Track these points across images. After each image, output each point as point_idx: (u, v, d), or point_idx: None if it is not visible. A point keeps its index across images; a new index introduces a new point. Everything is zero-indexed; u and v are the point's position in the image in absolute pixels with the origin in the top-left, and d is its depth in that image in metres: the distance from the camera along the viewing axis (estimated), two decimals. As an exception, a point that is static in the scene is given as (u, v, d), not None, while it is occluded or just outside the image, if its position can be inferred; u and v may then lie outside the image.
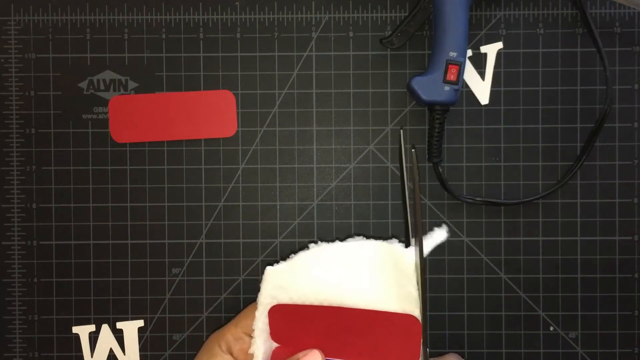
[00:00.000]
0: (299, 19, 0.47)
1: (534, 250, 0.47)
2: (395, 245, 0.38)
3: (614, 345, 0.47)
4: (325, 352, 0.38)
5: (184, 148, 0.47)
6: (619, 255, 0.47)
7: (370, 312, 0.37)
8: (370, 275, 0.37)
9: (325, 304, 0.37)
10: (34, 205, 0.47)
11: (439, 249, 0.47)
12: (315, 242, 0.39)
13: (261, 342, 0.38)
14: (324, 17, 0.47)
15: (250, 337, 0.39)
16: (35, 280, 0.47)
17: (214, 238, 0.47)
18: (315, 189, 0.47)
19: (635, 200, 0.47)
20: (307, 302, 0.38)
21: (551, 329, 0.47)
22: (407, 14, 0.46)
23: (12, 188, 0.47)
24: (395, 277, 0.37)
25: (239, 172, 0.47)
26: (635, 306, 0.47)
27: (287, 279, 0.38)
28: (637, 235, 0.47)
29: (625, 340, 0.47)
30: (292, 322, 0.38)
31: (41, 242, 0.47)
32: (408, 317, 0.36)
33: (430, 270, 0.47)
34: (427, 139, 0.46)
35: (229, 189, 0.47)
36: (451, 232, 0.47)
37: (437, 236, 0.39)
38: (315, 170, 0.47)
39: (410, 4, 0.47)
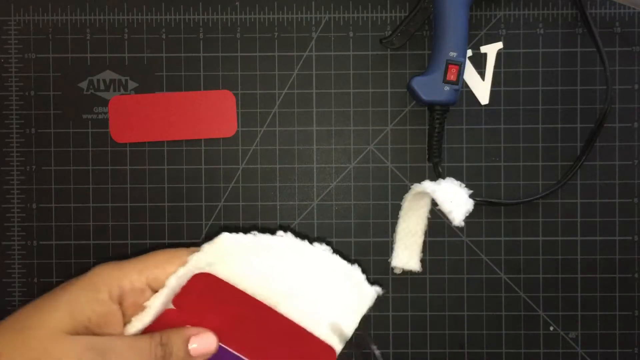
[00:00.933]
0: (299, 19, 0.47)
1: (534, 250, 0.47)
2: (357, 275, 0.35)
3: (614, 345, 0.47)
4: (222, 339, 0.34)
5: (184, 148, 0.47)
6: (619, 255, 0.47)
7: (295, 325, 0.34)
8: (316, 291, 0.35)
9: (257, 297, 0.34)
10: (34, 205, 0.47)
11: (438, 248, 0.47)
12: (285, 230, 0.35)
13: (162, 301, 0.33)
14: (324, 17, 0.47)
15: (153, 290, 0.33)
16: (35, 280, 0.47)
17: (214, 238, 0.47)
18: (315, 189, 0.47)
19: (635, 200, 0.47)
20: (240, 287, 0.34)
21: (551, 329, 0.47)
22: (407, 14, 0.46)
23: (12, 188, 0.47)
24: (340, 304, 0.35)
25: (239, 172, 0.47)
26: (635, 306, 0.47)
27: (236, 253, 0.34)
28: (637, 235, 0.47)
29: (625, 340, 0.47)
30: (209, 296, 0.34)
31: (41, 242, 0.47)
32: (327, 348, 0.34)
33: (431, 270, 0.47)
34: (427, 139, 0.46)
35: (229, 189, 0.47)
36: (451, 232, 0.47)
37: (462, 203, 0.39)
38: (315, 170, 0.47)
39: (410, 4, 0.47)
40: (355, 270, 0.36)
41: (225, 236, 0.34)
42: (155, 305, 0.33)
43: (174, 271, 0.34)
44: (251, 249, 0.34)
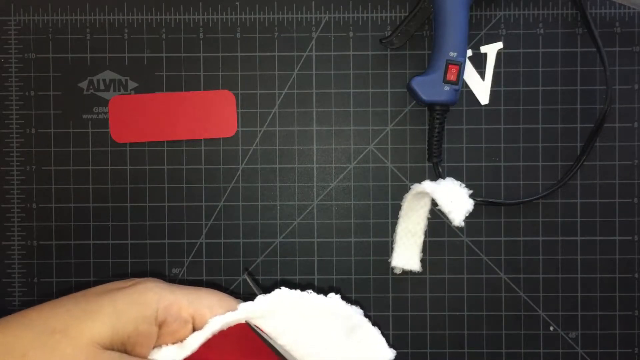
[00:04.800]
0: (299, 19, 0.47)
1: (534, 250, 0.47)
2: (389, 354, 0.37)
3: (614, 346, 0.47)
4: None
5: (184, 148, 0.47)
6: (619, 255, 0.47)
7: None
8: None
9: (287, 351, 0.35)
10: (34, 205, 0.47)
11: (438, 248, 0.47)
12: (336, 292, 0.37)
13: (201, 342, 0.33)
14: (324, 17, 0.47)
15: (194, 325, 0.33)
16: (35, 280, 0.47)
17: (214, 238, 0.47)
18: (315, 189, 0.47)
19: (635, 200, 0.47)
20: (281, 341, 0.35)
21: (551, 329, 0.47)
22: (407, 14, 0.46)
23: (12, 188, 0.47)
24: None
25: (239, 172, 0.47)
26: (635, 306, 0.47)
27: (288, 311, 0.35)
28: (637, 235, 0.47)
29: (625, 340, 0.47)
30: (245, 345, 0.35)
31: (41, 242, 0.47)
32: None
33: (431, 270, 0.47)
34: (427, 139, 0.46)
35: (229, 189, 0.47)
36: (451, 232, 0.47)
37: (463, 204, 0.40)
38: (315, 170, 0.47)
39: (410, 4, 0.47)
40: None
41: (281, 292, 0.35)
42: (194, 345, 0.33)
43: (221, 314, 0.33)
44: (302, 309, 0.35)
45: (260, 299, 0.35)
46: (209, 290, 0.35)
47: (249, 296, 0.45)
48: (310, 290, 0.36)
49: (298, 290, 0.36)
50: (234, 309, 0.35)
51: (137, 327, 0.30)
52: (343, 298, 0.37)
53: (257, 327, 0.35)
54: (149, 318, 0.31)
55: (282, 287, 0.36)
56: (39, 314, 0.30)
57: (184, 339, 0.33)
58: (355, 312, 0.37)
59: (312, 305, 0.36)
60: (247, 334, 0.35)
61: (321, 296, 0.36)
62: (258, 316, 0.35)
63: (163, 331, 0.32)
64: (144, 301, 0.31)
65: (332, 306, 0.36)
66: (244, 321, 0.35)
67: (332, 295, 0.36)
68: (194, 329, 0.34)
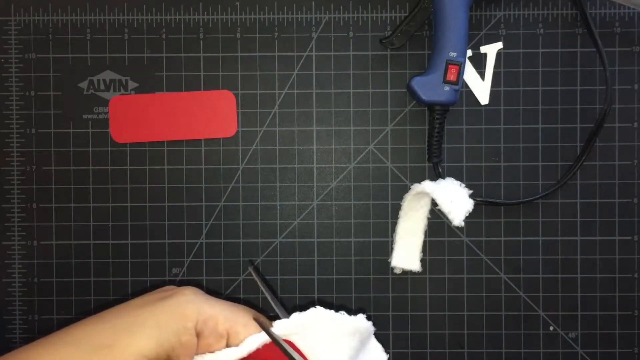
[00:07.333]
0: (299, 19, 0.47)
1: (534, 250, 0.47)
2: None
3: (614, 345, 0.47)
4: None
5: (184, 148, 0.47)
6: (619, 255, 0.47)
7: None
8: None
9: None
10: (34, 205, 0.47)
11: (438, 248, 0.47)
12: (364, 312, 0.38)
13: (237, 356, 0.34)
14: (324, 17, 0.47)
15: (228, 341, 0.34)
16: (35, 280, 0.47)
17: (214, 238, 0.47)
18: (315, 189, 0.47)
19: (635, 200, 0.47)
20: (296, 354, 0.35)
21: (551, 329, 0.47)
22: (407, 14, 0.46)
23: (12, 188, 0.47)
24: None
25: (239, 172, 0.47)
26: (635, 306, 0.47)
27: (320, 330, 0.35)
28: (637, 235, 0.47)
29: (625, 340, 0.47)
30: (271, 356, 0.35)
31: (41, 242, 0.47)
32: None
33: (431, 270, 0.47)
34: (427, 139, 0.46)
35: (229, 189, 0.47)
36: (451, 232, 0.47)
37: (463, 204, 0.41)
38: (315, 170, 0.47)
39: (410, 4, 0.47)
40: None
41: (316, 310, 0.35)
42: (227, 354, 0.33)
43: (254, 333, 0.34)
44: (335, 330, 0.35)
45: (296, 316, 0.35)
46: (245, 307, 0.36)
47: (253, 300, 0.45)
48: (343, 312, 0.36)
49: (332, 311, 0.36)
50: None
51: (180, 338, 0.32)
52: (348, 303, 0.37)
53: (281, 339, 0.35)
54: (190, 330, 0.32)
55: (317, 306, 0.36)
56: (83, 330, 0.32)
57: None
58: (370, 326, 0.37)
59: (344, 325, 0.36)
60: (280, 352, 0.35)
61: (353, 317, 0.36)
62: (292, 333, 0.35)
63: (199, 343, 0.33)
64: (184, 313, 0.32)
65: (361, 326, 0.36)
66: (282, 338, 0.35)
67: (360, 315, 0.37)
68: (227, 345, 0.34)
